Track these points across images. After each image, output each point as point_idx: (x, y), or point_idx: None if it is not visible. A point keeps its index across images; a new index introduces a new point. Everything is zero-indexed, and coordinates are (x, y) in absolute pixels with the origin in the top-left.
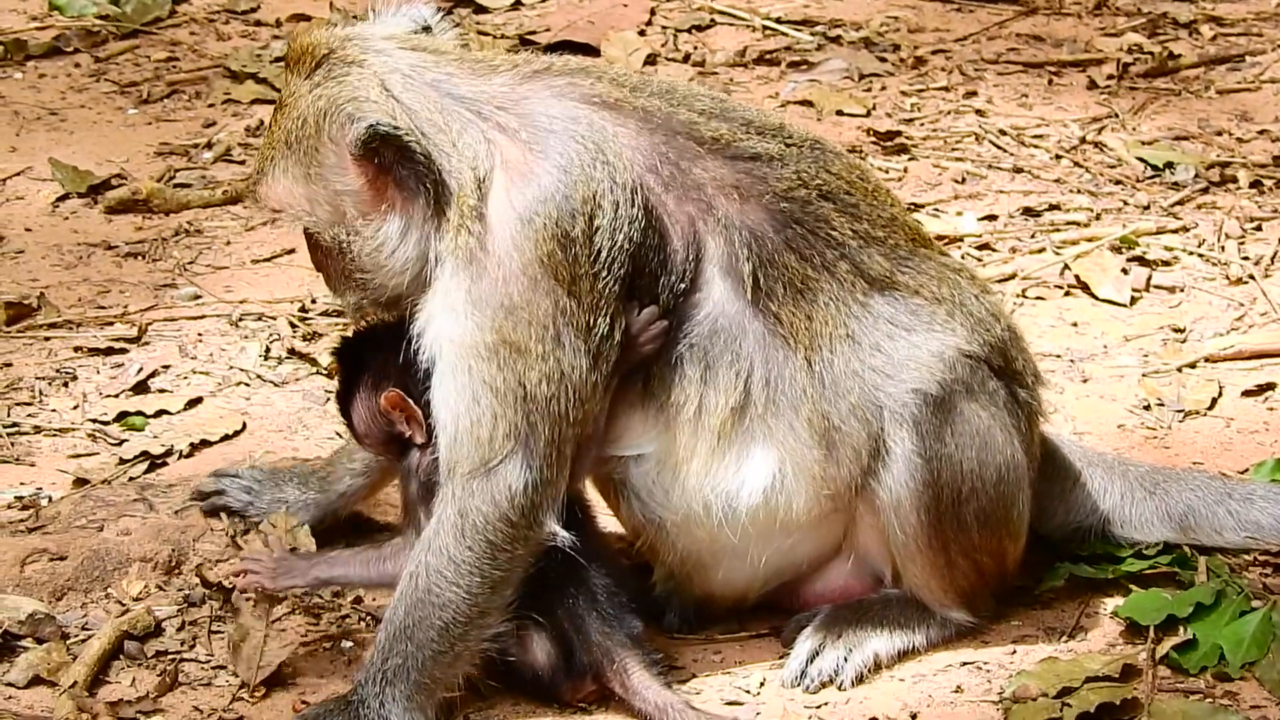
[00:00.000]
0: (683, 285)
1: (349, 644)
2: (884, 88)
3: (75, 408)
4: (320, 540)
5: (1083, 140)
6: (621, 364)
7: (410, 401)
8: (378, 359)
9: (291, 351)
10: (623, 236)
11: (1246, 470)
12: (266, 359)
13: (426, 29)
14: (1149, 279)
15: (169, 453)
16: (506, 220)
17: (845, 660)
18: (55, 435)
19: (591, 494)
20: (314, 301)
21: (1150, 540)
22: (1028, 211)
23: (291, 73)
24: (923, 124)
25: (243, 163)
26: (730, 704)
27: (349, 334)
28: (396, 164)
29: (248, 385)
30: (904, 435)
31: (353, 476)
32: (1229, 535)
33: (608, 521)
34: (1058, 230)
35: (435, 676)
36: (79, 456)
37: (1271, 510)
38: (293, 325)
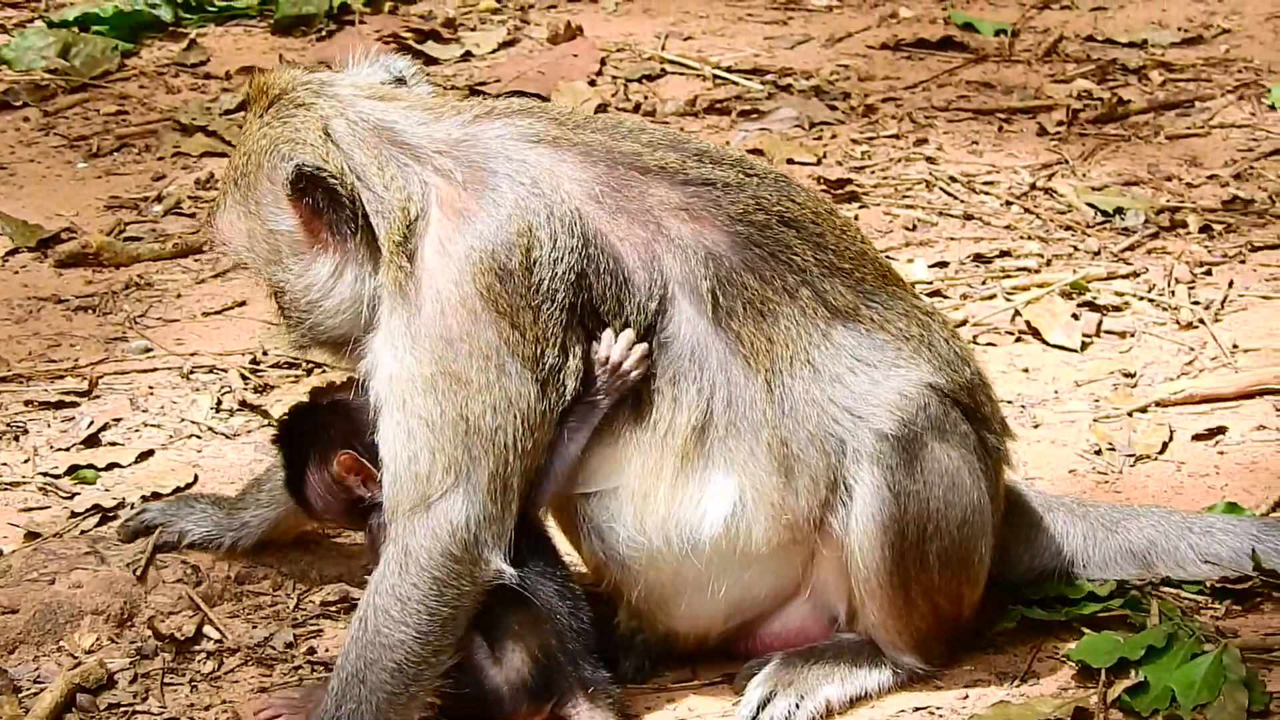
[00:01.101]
0: (652, 305)
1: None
2: (834, 136)
3: (26, 461)
4: (252, 563)
5: (1033, 186)
6: (608, 393)
7: (365, 461)
8: (319, 428)
9: (243, 404)
10: (564, 266)
11: None
12: (218, 411)
13: (400, 81)
14: (1099, 324)
15: (120, 505)
16: (443, 257)
17: (797, 707)
18: (6, 489)
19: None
20: (265, 354)
21: (1115, 578)
22: (978, 258)
23: (249, 110)
24: (873, 171)
25: (193, 215)
26: None
27: (283, 415)
28: (326, 206)
29: (199, 438)
30: (870, 469)
31: (258, 507)
32: (1191, 568)
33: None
34: (1008, 276)
35: (390, 719)
36: (30, 510)
37: (1230, 542)
38: (244, 377)
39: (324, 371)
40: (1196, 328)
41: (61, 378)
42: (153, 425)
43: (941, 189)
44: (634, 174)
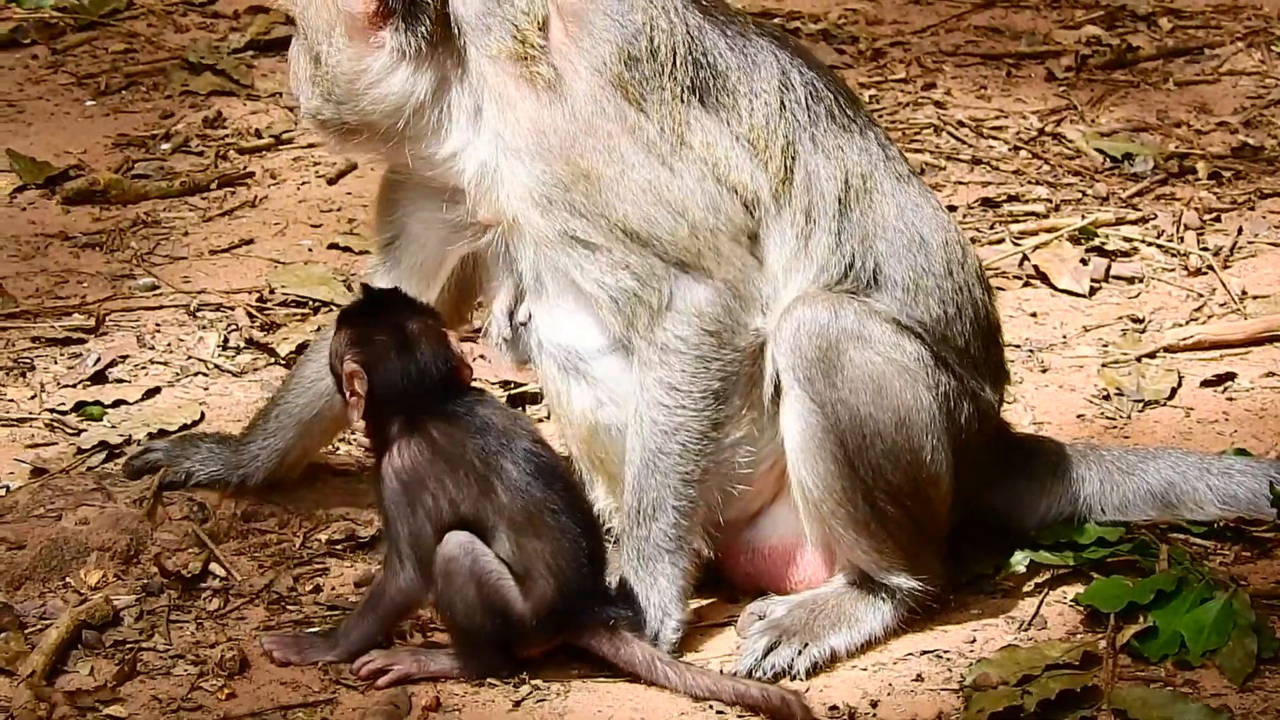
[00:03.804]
0: (769, 85)
1: (312, 630)
2: (843, 80)
3: (33, 397)
4: (258, 500)
5: (1041, 132)
6: None
7: (366, 391)
8: (381, 327)
9: (249, 341)
10: (683, 49)
11: None
12: (224, 349)
13: None
14: (1108, 269)
15: (127, 442)
16: (571, 55)
17: (799, 654)
18: (13, 425)
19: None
20: (272, 292)
21: (1133, 520)
22: (986, 203)
23: None
24: (881, 115)
25: (200, 154)
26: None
27: (393, 289)
28: (403, 11)
29: (205, 375)
30: (791, 382)
31: (265, 437)
32: (1209, 509)
33: None
34: (1016, 221)
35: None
36: (37, 446)
37: (1249, 484)
38: (250, 315)
39: (329, 310)
40: (1205, 274)
41: (69, 314)
42: (159, 363)
43: (950, 133)
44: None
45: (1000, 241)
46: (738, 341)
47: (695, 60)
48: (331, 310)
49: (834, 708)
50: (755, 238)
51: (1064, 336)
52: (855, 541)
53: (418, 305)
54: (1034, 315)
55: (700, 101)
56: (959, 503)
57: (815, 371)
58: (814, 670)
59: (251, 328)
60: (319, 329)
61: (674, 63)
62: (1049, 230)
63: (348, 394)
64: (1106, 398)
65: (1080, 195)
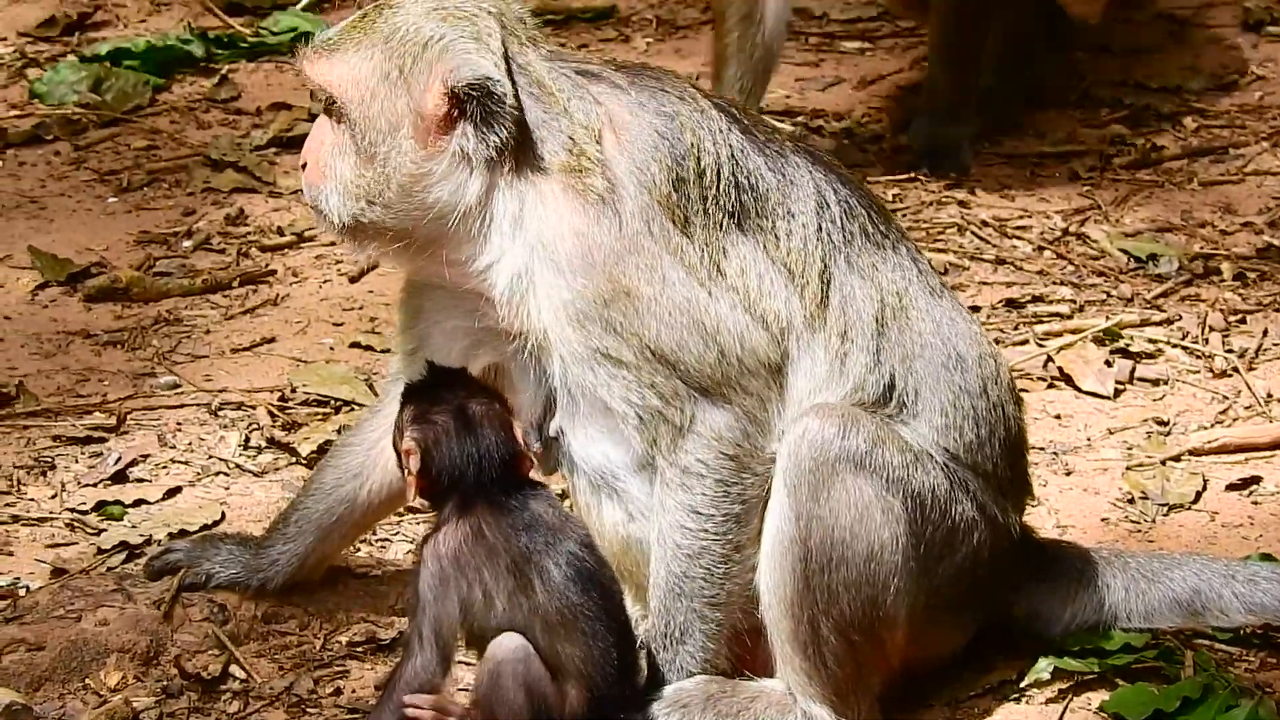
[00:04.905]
0: (807, 207)
1: None
2: (865, 178)
3: (53, 497)
4: (279, 602)
5: (1065, 232)
6: None
7: (420, 470)
8: (443, 407)
9: (271, 441)
10: (726, 170)
11: None
12: (246, 448)
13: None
14: (1133, 371)
15: (147, 542)
16: (621, 171)
17: None
18: (33, 524)
19: None
20: (293, 391)
21: (1158, 627)
22: (1010, 303)
23: None
24: (905, 215)
25: (222, 251)
26: None
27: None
28: (479, 121)
29: (227, 475)
30: (780, 482)
31: (285, 541)
32: (1235, 616)
33: None
34: (1041, 322)
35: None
36: (57, 546)
37: (1274, 591)
38: (272, 415)
39: (351, 410)
40: (1230, 376)
41: (89, 413)
42: (180, 462)
43: (973, 233)
44: (760, 119)
45: (1024, 343)
46: (755, 466)
47: (738, 183)
48: (353, 410)
49: None
50: (779, 369)
51: (1088, 439)
52: (789, 657)
53: (484, 388)
54: (1058, 417)
55: (739, 226)
56: (965, 624)
57: (803, 482)
58: None
59: (273, 427)
60: (340, 429)
61: (718, 186)
62: (1073, 331)
63: (404, 472)
64: (1131, 501)
65: (1105, 296)
